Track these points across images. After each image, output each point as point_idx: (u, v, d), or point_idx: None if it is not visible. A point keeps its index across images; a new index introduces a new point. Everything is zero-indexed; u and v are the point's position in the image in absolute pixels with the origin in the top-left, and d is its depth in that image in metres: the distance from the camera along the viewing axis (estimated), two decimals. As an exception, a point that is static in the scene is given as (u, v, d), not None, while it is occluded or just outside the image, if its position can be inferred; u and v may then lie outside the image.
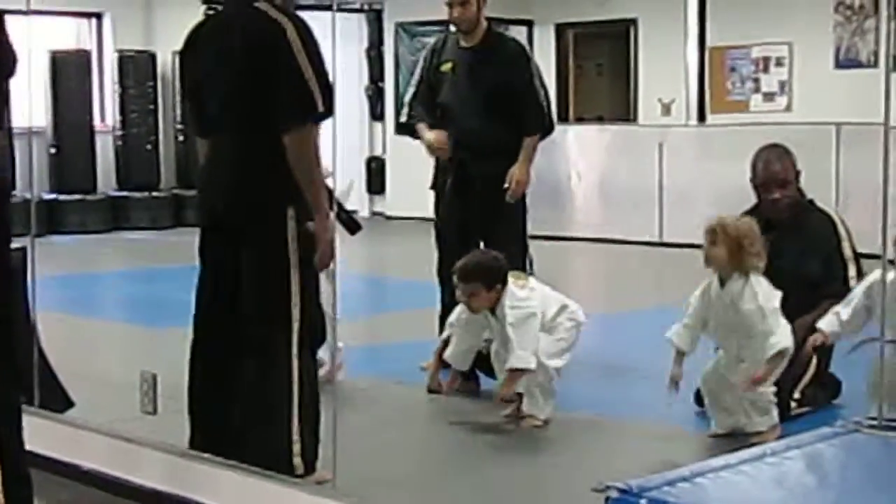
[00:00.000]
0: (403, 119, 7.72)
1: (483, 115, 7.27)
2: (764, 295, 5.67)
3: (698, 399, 6.29)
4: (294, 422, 4.82)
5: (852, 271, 6.35)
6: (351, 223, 5.01)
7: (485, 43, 7.37)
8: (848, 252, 6.37)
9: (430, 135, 7.33)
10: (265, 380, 4.86)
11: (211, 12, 5.16)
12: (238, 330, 4.91)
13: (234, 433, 4.95)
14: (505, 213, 7.19)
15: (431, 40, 8.12)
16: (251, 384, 4.89)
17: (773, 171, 6.48)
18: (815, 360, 6.28)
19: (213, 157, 5.07)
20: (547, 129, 7.41)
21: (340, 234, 5.07)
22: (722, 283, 5.78)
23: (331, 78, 4.80)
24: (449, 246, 7.36)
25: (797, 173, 6.57)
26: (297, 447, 4.82)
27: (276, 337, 4.83)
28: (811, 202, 6.61)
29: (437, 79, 7.45)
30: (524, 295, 6.18)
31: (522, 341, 6.05)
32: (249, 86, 4.83)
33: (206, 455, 4.90)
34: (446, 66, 7.42)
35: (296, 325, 4.83)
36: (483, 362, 6.66)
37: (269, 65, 4.76)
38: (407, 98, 7.67)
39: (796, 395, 6.12)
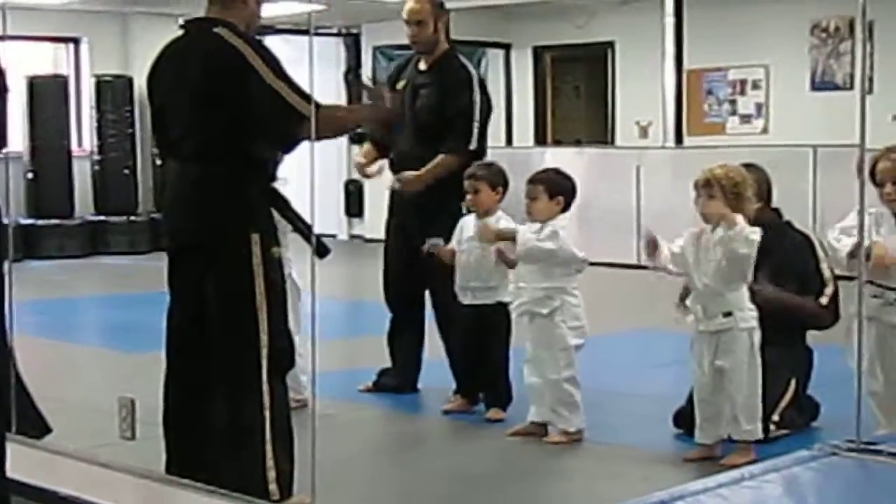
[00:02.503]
0: (360, 130, 7.72)
1: (416, 138, 7.22)
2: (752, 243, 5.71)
3: (677, 421, 6.30)
4: (268, 447, 4.81)
5: (828, 290, 6.35)
6: (320, 247, 5.00)
7: (435, 67, 7.34)
8: (827, 273, 6.37)
9: (360, 153, 7.42)
10: (237, 406, 4.85)
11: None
12: (209, 356, 4.91)
13: (209, 459, 4.94)
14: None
15: (408, 64, 8.12)
16: (223, 411, 4.88)
17: None
18: (793, 383, 6.30)
19: (177, 182, 5.07)
20: (473, 157, 7.17)
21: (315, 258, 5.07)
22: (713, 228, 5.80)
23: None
24: (391, 270, 7.40)
25: (768, 193, 6.54)
26: (272, 473, 4.81)
27: (246, 363, 4.82)
28: (789, 223, 6.60)
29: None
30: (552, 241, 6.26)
31: (564, 248, 6.25)
32: (211, 112, 4.82)
33: (184, 480, 4.89)
34: (400, 85, 7.42)
35: (265, 351, 4.82)
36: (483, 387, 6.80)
37: (238, 91, 4.76)
38: None
39: (775, 418, 6.12)
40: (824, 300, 6.34)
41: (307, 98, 4.77)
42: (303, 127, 4.76)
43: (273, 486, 4.80)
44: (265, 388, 4.81)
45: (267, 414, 4.80)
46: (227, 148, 4.84)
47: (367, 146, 7.46)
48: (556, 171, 6.55)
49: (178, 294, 5.04)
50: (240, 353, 4.84)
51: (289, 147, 5.02)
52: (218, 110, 4.80)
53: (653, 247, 5.91)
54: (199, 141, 4.89)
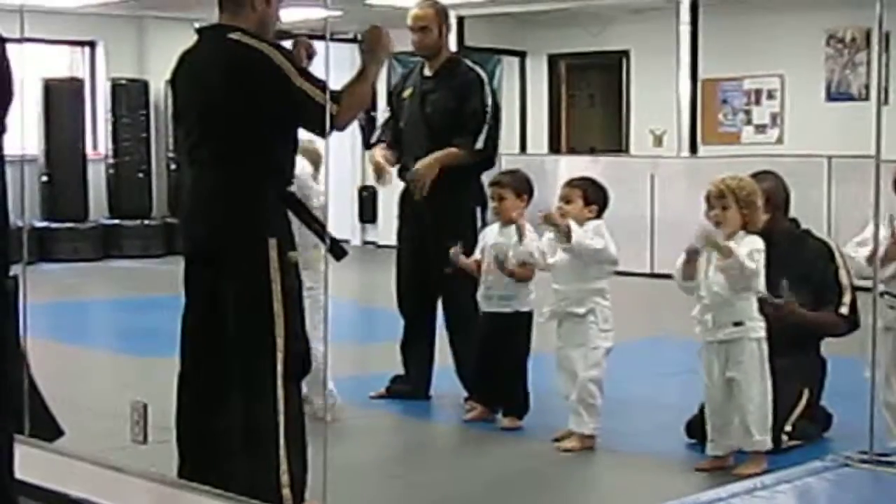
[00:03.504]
0: (373, 140, 7.72)
1: (429, 143, 7.23)
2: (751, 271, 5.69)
3: (690, 431, 6.29)
4: (281, 452, 4.80)
5: (846, 298, 6.33)
6: (337, 249, 5.02)
7: (442, 71, 7.37)
8: (845, 280, 6.34)
9: (376, 156, 7.37)
10: (251, 411, 4.85)
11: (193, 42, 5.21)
12: (223, 361, 4.92)
13: (221, 464, 4.94)
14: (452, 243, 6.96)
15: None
16: (237, 415, 4.88)
17: None
18: (806, 393, 6.28)
19: (194, 188, 5.09)
20: (481, 155, 7.22)
21: (330, 262, 5.08)
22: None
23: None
24: (402, 275, 7.41)
25: (785, 201, 6.51)
26: (285, 478, 4.80)
27: (261, 368, 4.81)
28: (808, 232, 6.58)
29: (399, 105, 7.49)
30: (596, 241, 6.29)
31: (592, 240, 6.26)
32: (230, 116, 4.84)
33: (195, 484, 4.89)
34: (407, 93, 7.45)
35: (280, 356, 4.81)
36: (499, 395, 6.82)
37: (263, 92, 4.79)
38: (379, 122, 7.69)
39: (787, 429, 6.10)
40: (844, 309, 6.32)
41: (326, 91, 4.80)
42: (332, 121, 4.80)
43: (286, 492, 4.79)
44: (280, 392, 4.80)
45: (281, 419, 4.80)
46: (244, 152, 4.86)
47: (382, 149, 7.43)
48: (594, 181, 6.57)
49: (194, 298, 5.05)
50: (256, 358, 4.84)
51: (324, 136, 4.99)
52: (237, 114, 4.82)
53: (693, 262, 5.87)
54: (217, 146, 4.91)
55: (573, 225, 6.25)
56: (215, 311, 4.91)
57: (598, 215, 6.41)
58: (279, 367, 4.81)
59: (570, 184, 6.47)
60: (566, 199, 6.39)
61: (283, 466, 4.80)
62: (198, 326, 5.01)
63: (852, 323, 6.34)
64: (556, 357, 6.42)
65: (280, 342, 4.81)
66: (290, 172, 5.08)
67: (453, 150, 7.12)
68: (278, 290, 4.82)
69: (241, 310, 4.86)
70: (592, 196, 6.44)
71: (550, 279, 6.48)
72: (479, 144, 7.14)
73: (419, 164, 7.10)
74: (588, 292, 6.31)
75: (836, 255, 6.40)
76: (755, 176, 6.12)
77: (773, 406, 5.80)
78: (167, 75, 5.23)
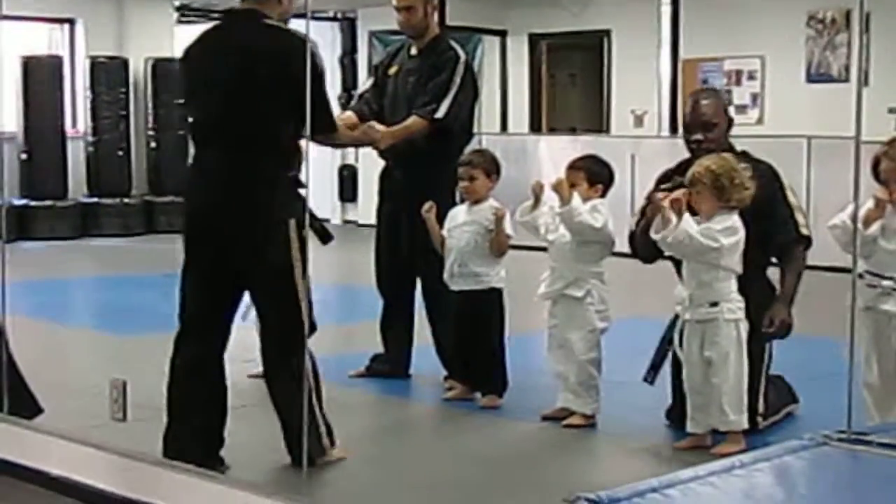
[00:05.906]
0: (350, 105, 7.65)
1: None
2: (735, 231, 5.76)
3: (670, 416, 6.31)
4: (317, 410, 5.27)
5: (801, 219, 6.20)
6: (323, 232, 5.13)
7: (425, 50, 7.36)
8: (793, 199, 6.22)
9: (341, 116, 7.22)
10: (292, 374, 5.14)
11: (217, 22, 5.30)
12: (228, 330, 5.35)
13: (215, 433, 5.31)
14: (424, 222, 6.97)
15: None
16: (285, 387, 5.23)
17: (697, 112, 6.28)
18: (763, 366, 6.18)
19: (218, 168, 5.16)
20: (441, 125, 7.12)
21: (313, 243, 5.16)
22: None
23: None
24: (381, 254, 7.41)
25: (729, 120, 6.36)
26: (323, 428, 5.33)
27: (296, 337, 5.13)
28: (745, 153, 6.27)
29: (383, 82, 7.45)
30: (597, 218, 6.36)
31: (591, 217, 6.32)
32: (266, 96, 4.97)
33: (177, 463, 4.90)
34: (392, 70, 7.44)
35: (306, 322, 5.19)
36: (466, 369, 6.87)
37: (300, 79, 4.86)
38: (358, 91, 7.66)
39: (760, 410, 6.08)
40: (804, 230, 6.17)
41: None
42: (327, 132, 5.30)
43: (325, 440, 5.37)
44: (310, 356, 5.20)
45: (312, 380, 5.21)
46: (272, 135, 5.05)
47: (349, 114, 7.37)
48: (597, 159, 6.57)
49: (205, 272, 5.28)
50: (291, 331, 5.18)
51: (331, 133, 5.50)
52: (272, 95, 4.95)
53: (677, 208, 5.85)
54: (245, 127, 5.07)
55: (576, 197, 6.24)
56: (227, 285, 5.28)
57: (604, 193, 6.42)
58: (307, 333, 5.21)
59: (573, 166, 6.45)
60: (571, 183, 6.35)
61: (320, 420, 5.32)
62: (206, 297, 5.33)
63: (808, 241, 6.20)
64: (548, 336, 6.44)
65: (305, 308, 5.19)
66: (302, 157, 5.29)
67: (412, 120, 7.09)
68: (300, 268, 5.13)
69: (272, 289, 5.23)
70: (596, 176, 6.46)
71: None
72: (439, 113, 7.08)
73: (383, 129, 7.04)
74: (587, 274, 6.36)
75: (781, 175, 6.27)
76: (695, 91, 5.92)
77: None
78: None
